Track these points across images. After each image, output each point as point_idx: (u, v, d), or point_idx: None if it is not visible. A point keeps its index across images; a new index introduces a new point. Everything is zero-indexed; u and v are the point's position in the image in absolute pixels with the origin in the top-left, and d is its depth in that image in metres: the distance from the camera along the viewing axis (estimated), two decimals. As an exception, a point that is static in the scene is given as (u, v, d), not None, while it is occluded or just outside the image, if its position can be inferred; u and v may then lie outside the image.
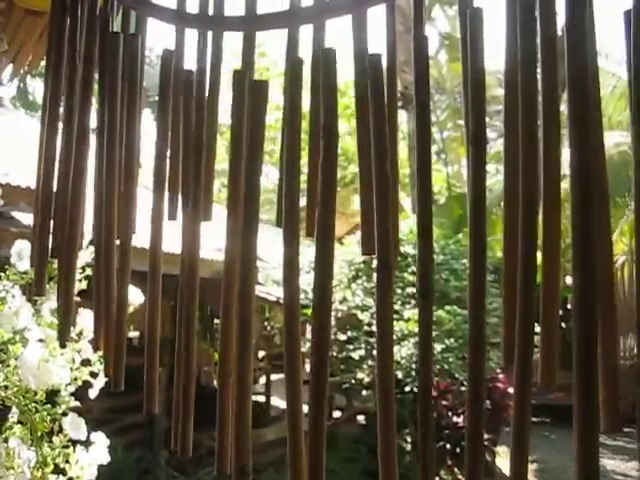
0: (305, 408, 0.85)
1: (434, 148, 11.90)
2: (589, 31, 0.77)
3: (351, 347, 8.02)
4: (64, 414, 1.47)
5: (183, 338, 0.99)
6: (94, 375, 1.54)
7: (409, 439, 7.27)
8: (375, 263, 0.88)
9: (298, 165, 0.95)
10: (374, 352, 5.61)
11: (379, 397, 0.84)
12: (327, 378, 0.86)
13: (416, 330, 1.00)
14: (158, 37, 2.06)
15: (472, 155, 0.83)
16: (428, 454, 0.80)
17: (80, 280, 1.53)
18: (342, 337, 8.10)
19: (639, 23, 0.74)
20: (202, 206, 1.04)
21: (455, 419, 7.41)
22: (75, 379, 1.52)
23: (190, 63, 1.10)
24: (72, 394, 1.51)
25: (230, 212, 0.97)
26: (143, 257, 1.06)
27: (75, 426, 1.47)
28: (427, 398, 0.83)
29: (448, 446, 7.33)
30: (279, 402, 8.87)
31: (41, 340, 1.49)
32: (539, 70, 0.79)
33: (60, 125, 1.16)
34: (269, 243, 4.06)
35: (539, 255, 0.76)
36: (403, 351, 7.48)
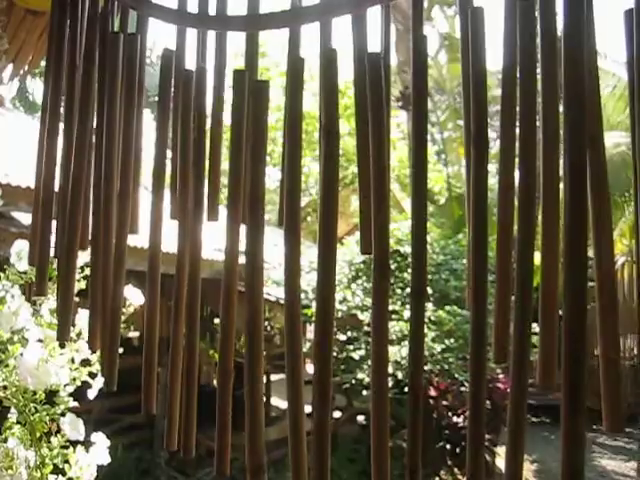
0: (305, 408, 0.85)
1: (434, 148, 11.89)
2: (589, 32, 0.77)
3: (351, 347, 8.01)
4: (63, 414, 1.47)
5: (185, 338, 0.99)
6: (93, 375, 1.54)
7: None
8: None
9: (299, 166, 0.95)
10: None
11: (373, 393, 0.83)
12: (330, 382, 0.86)
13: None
14: (158, 37, 2.06)
15: (473, 156, 0.83)
16: (416, 454, 0.80)
17: (79, 280, 1.52)
18: (342, 337, 8.10)
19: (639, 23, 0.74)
20: (210, 206, 1.04)
21: (455, 419, 7.40)
22: (74, 379, 1.52)
23: (190, 63, 1.10)
24: (71, 394, 1.50)
25: (230, 212, 0.96)
26: (144, 257, 1.05)
27: (73, 426, 1.47)
28: (417, 398, 0.82)
29: (448, 446, 7.32)
30: (279, 402, 8.86)
31: (40, 340, 1.48)
32: (539, 70, 0.79)
33: (60, 125, 1.16)
34: (269, 243, 4.05)
35: (538, 255, 0.76)
36: (403, 351, 7.47)
